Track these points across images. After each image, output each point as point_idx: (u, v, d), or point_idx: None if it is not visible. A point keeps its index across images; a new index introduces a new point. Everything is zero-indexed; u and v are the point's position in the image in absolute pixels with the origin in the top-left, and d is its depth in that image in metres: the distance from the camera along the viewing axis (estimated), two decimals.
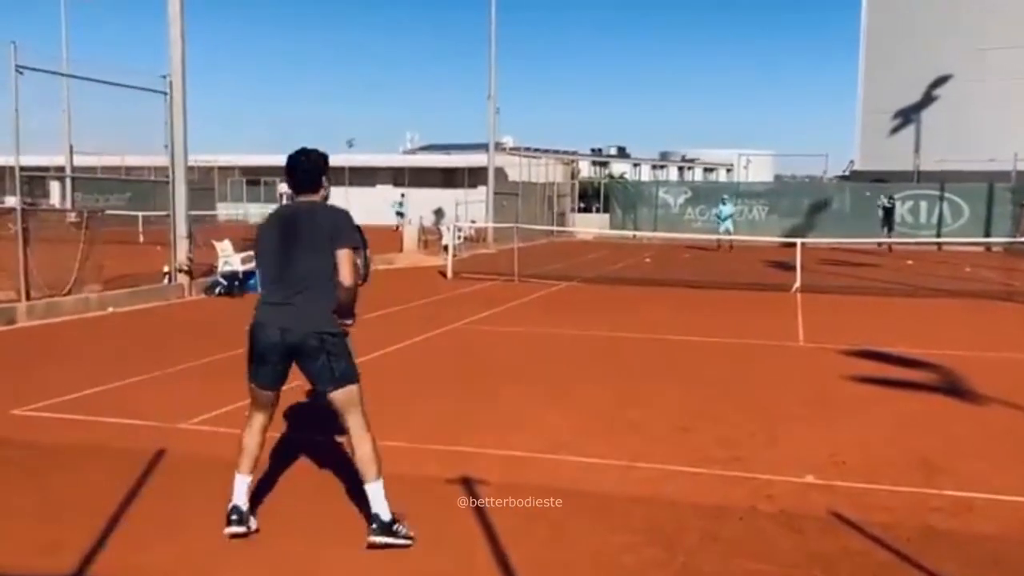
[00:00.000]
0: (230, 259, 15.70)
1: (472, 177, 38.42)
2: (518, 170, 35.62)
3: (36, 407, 7.17)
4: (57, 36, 30.70)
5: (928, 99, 37.59)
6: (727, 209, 30.00)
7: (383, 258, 22.29)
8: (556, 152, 51.93)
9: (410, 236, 26.31)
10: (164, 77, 14.75)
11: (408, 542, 4.38)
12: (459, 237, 24.18)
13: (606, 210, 39.46)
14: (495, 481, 5.43)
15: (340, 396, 4.44)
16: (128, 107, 14.49)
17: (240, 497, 4.51)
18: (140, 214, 26.65)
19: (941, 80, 37.07)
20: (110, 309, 12.98)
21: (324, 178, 4.62)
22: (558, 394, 7.96)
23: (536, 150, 45.93)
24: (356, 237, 4.50)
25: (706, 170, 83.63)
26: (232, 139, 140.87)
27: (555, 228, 33.89)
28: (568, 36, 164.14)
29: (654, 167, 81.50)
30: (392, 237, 26.72)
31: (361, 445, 4.45)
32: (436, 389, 8.18)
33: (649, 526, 4.79)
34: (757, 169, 53.85)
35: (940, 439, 6.60)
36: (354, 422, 4.46)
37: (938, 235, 31.07)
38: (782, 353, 10.37)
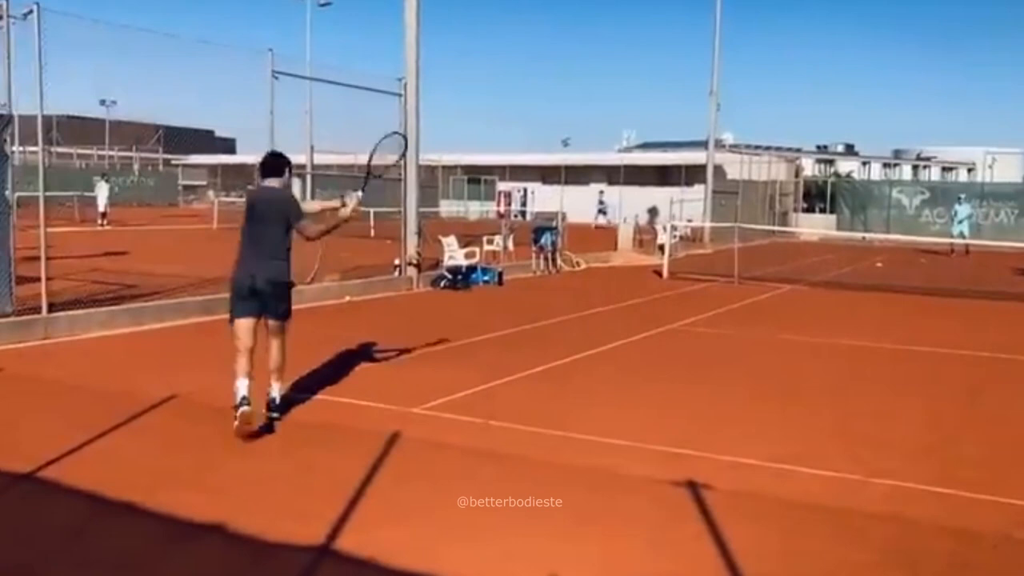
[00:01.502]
0: (455, 254, 16.36)
1: (688, 175, 37.74)
2: (738, 168, 34.63)
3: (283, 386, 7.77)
4: (294, 42, 33.06)
5: None
6: (964, 210, 27.86)
7: (597, 256, 22.42)
8: (779, 149, 50.00)
9: (625, 235, 26.25)
10: (400, 80, 15.57)
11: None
12: (674, 236, 23.86)
13: (832, 210, 37.55)
14: (723, 487, 5.31)
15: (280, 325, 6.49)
16: (365, 109, 15.43)
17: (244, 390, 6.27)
18: (372, 210, 28.26)
19: None
20: (347, 298, 13.88)
21: (287, 170, 6.72)
22: (790, 402, 7.66)
23: (757, 147, 44.49)
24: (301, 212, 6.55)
25: (944, 169, 77.65)
26: (453, 139, 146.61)
27: (777, 228, 32.67)
28: (794, 29, 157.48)
29: (885, 166, 76.65)
30: (596, 235, 26.66)
31: (277, 358, 6.49)
32: (654, 388, 8.10)
33: (890, 546, 4.51)
34: (1004, 168, 49.43)
35: None
36: (277, 343, 6.48)
37: None
38: None
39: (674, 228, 24.21)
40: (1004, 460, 6.05)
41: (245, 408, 6.11)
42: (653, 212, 32.91)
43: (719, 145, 34.19)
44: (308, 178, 16.15)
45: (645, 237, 26.74)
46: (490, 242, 19.47)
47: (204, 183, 57.64)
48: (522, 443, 6.22)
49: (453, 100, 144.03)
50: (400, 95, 15.50)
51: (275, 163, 6.71)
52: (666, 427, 6.73)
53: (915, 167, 76.11)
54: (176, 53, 13.35)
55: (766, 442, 6.35)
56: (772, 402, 7.64)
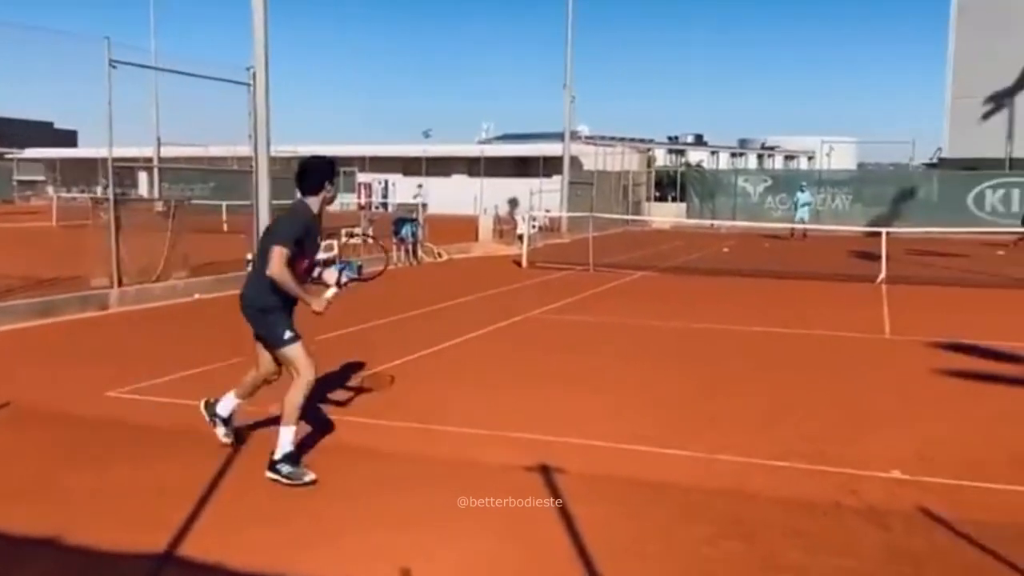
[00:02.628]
0: None
1: (547, 166, 38.31)
2: (593, 159, 35.43)
3: (129, 389, 7.44)
4: (141, 32, 31.63)
5: (1022, 83, 36.05)
6: (804, 197, 29.57)
7: (459, 247, 22.47)
8: (632, 140, 51.46)
9: (485, 226, 26.41)
10: (248, 69, 15.09)
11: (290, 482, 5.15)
12: (533, 226, 24.19)
13: (682, 199, 38.98)
14: (574, 470, 5.44)
15: (278, 355, 5.49)
16: (213, 99, 14.92)
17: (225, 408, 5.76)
18: (224, 203, 27.37)
19: None
20: (196, 296, 13.39)
21: (327, 182, 5.44)
22: (638, 385, 7.92)
23: (612, 139, 45.60)
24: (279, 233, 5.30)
25: (787, 158, 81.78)
26: (313, 130, 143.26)
27: (630, 217, 33.62)
28: (645, 24, 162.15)
29: (733, 155, 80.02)
30: (459, 227, 26.76)
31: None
32: (511, 378, 8.21)
33: (730, 519, 4.74)
34: (840, 157, 52.53)
35: None
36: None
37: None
38: (867, 346, 10.10)
39: (533, 218, 24.56)
40: (836, 433, 6.45)
41: (215, 429, 5.74)
42: (513, 203, 33.21)
43: (575, 137, 34.85)
44: (155, 172, 15.43)
45: (505, 228, 26.99)
46: (350, 235, 19.20)
47: (42, 178, 54.21)
48: (377, 437, 6.18)
49: (311, 92, 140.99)
50: (249, 85, 15.03)
51: (306, 172, 5.40)
52: (522, 414, 6.83)
53: (760, 156, 79.87)
54: (6, 41, 12.56)
55: (618, 424, 6.55)
56: (624, 385, 7.88)
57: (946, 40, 39.13)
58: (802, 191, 30.05)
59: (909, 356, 9.34)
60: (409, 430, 6.38)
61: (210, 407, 5.76)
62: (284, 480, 5.14)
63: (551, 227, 29.17)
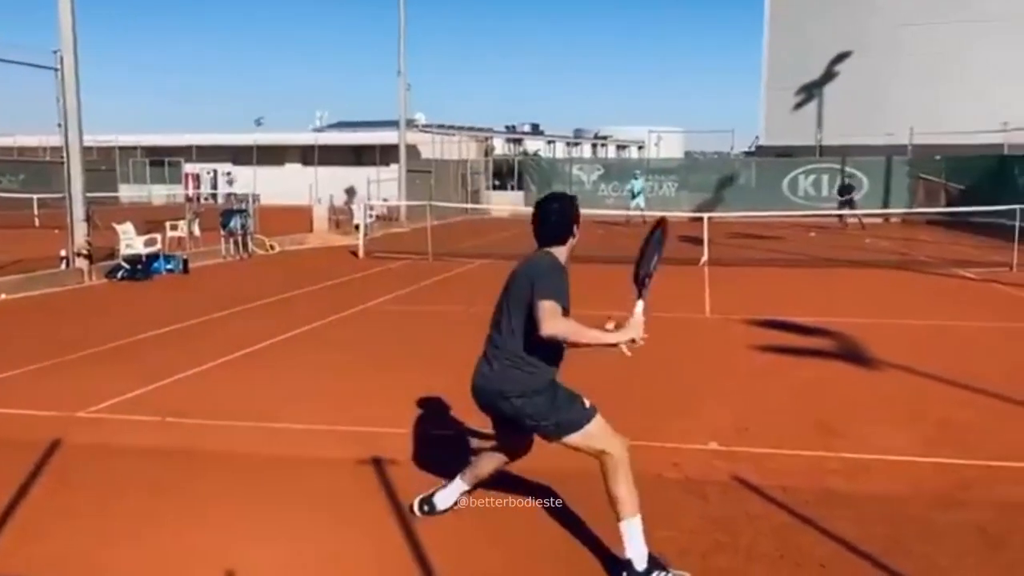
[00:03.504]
0: (132, 242, 15.19)
1: (384, 155, 37.92)
2: (431, 147, 35.38)
3: None
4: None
5: (830, 75, 38.67)
6: (638, 185, 30.61)
7: (292, 239, 21.91)
8: (470, 129, 51.70)
9: (320, 216, 25.86)
10: (55, 52, 14.10)
11: None
12: (370, 216, 23.90)
13: (520, 187, 39.53)
14: (404, 459, 5.41)
15: (573, 443, 4.11)
16: (19, 85, 13.88)
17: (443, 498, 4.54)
18: (35, 196, 25.57)
19: (842, 56, 38.14)
20: (1, 296, 12.42)
21: (575, 226, 4.40)
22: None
23: (449, 127, 45.64)
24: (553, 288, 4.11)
25: (619, 147, 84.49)
26: (134, 118, 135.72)
27: (469, 206, 33.80)
28: (482, 12, 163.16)
29: (568, 144, 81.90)
30: (293, 217, 26.12)
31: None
32: (345, 370, 8.09)
33: (566, 500, 4.84)
34: (668, 146, 54.69)
35: (838, 404, 6.84)
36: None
37: (840, 207, 32.10)
38: (690, 325, 10.58)
39: (370, 208, 24.26)
40: (660, 409, 6.72)
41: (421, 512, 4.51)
42: (350, 192, 32.72)
43: (412, 125, 34.68)
44: None
45: (341, 218, 26.53)
46: (174, 228, 18.34)
47: None
48: (205, 437, 5.94)
49: (129, 78, 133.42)
50: (56, 69, 14.04)
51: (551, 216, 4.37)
52: (356, 406, 6.74)
53: (594, 146, 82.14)
54: None
55: (454, 413, 6.56)
56: (458, 374, 7.89)
57: (762, 35, 41.49)
58: (635, 178, 31.14)
59: (728, 333, 9.85)
60: (238, 428, 6.16)
61: (427, 502, 4.55)
62: None
63: (389, 216, 28.93)
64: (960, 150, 30.79)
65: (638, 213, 28.93)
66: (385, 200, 29.57)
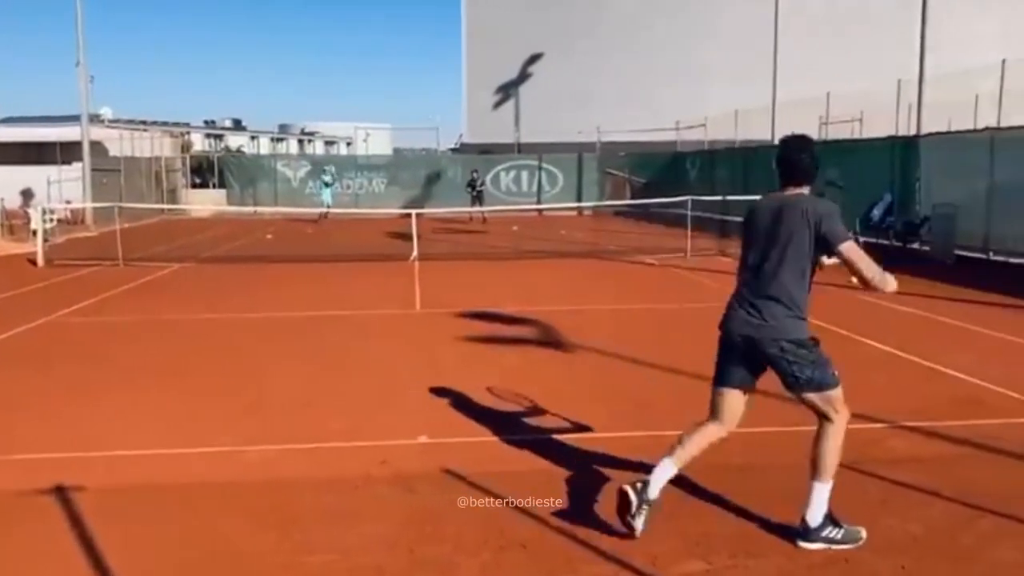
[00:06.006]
0: None
1: (65, 153, 34.49)
2: (119, 144, 32.77)
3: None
4: None
5: (525, 76, 40.76)
6: (328, 183, 30.58)
7: None
8: (165, 124, 48.57)
9: None
10: None
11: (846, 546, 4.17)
12: (51, 220, 21.71)
13: (222, 185, 37.77)
14: (94, 486, 4.98)
15: (809, 399, 4.19)
16: None
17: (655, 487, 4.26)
18: None
19: (535, 58, 40.36)
20: None
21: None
22: (167, 384, 7.49)
23: (142, 122, 42.58)
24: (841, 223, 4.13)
25: (327, 143, 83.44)
26: None
27: (166, 206, 31.76)
28: (175, 2, 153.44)
29: (273, 140, 79.55)
30: None
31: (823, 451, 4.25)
32: (24, 391, 7.28)
33: (266, 509, 4.69)
34: (377, 142, 54.85)
35: (538, 388, 7.21)
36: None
37: (538, 201, 33.95)
38: (400, 320, 10.69)
39: (51, 211, 22.04)
40: (370, 407, 6.71)
41: (633, 499, 4.17)
42: (27, 194, 29.57)
43: (97, 120, 31.90)
44: None
45: (17, 222, 23.87)
46: None
47: None
48: None
49: None
50: None
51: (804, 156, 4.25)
52: (37, 432, 6.09)
53: (301, 142, 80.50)
54: None
55: (145, 429, 6.15)
56: (146, 388, 7.40)
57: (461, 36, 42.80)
58: (324, 175, 31.00)
59: (437, 327, 10.06)
60: None
61: (642, 492, 4.21)
62: (840, 545, 4.16)
63: (74, 220, 26.43)
64: (642, 147, 33.77)
65: (325, 209, 28.76)
66: (68, 202, 27.00)
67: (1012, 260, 13.60)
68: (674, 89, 37.39)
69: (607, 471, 5.22)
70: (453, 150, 46.17)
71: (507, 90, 40.88)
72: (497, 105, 41.02)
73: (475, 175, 29.72)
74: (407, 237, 18.21)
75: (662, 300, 12.32)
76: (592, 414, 6.38)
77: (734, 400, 4.33)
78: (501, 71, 40.51)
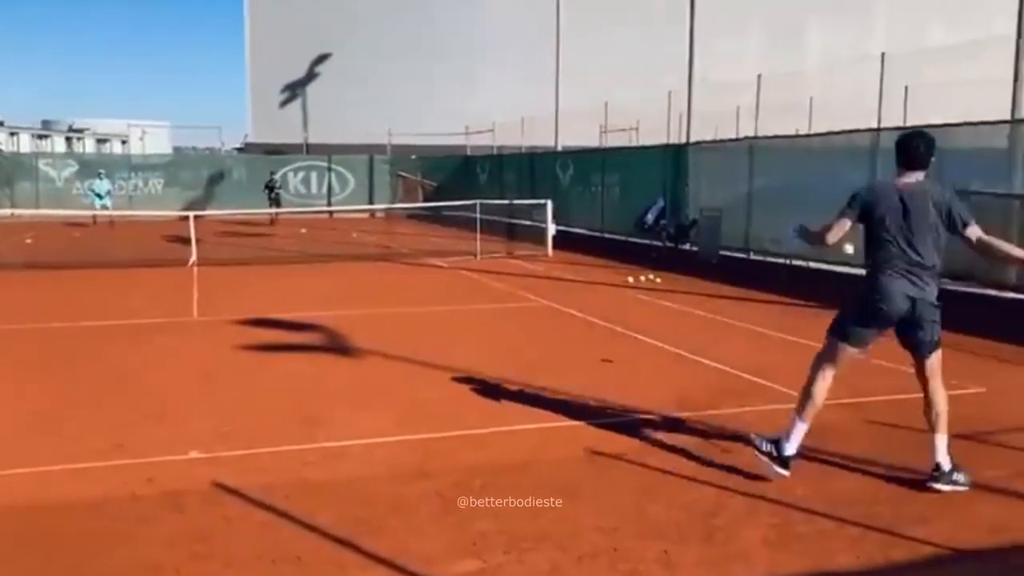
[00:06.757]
0: None
1: None
2: None
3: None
4: None
5: (312, 75, 39.86)
6: (103, 185, 28.63)
7: None
8: None
9: None
10: None
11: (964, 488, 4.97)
12: None
13: None
14: None
15: (936, 359, 5.04)
16: None
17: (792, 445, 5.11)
18: None
19: (323, 57, 39.57)
20: None
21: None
22: None
23: None
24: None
25: (99, 141, 77.85)
26: None
27: None
28: None
29: (36, 137, 73.26)
30: None
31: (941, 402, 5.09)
32: None
33: (22, 538, 4.31)
34: (155, 141, 51.86)
35: (321, 395, 7.09)
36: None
37: (329, 204, 33.31)
38: (174, 330, 10.13)
39: None
40: (136, 423, 6.31)
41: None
42: None
43: None
44: None
45: None
46: None
47: None
48: None
49: None
50: None
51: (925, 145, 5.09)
52: None
53: (69, 139, 74.73)
54: None
55: None
56: None
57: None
58: (100, 178, 28.99)
59: (215, 335, 9.63)
60: None
61: (781, 448, 5.09)
62: (962, 487, 4.98)
63: None
64: (434, 151, 33.94)
65: (106, 214, 27.03)
66: None
67: (767, 259, 14.79)
68: (462, 95, 37.86)
69: (389, 477, 5.20)
70: (238, 150, 44.40)
71: (294, 89, 39.80)
72: (284, 104, 39.86)
73: (273, 176, 28.98)
74: (185, 240, 17.31)
75: (450, 302, 12.44)
76: (369, 419, 6.35)
77: (851, 359, 5.22)
78: (288, 70, 39.39)
